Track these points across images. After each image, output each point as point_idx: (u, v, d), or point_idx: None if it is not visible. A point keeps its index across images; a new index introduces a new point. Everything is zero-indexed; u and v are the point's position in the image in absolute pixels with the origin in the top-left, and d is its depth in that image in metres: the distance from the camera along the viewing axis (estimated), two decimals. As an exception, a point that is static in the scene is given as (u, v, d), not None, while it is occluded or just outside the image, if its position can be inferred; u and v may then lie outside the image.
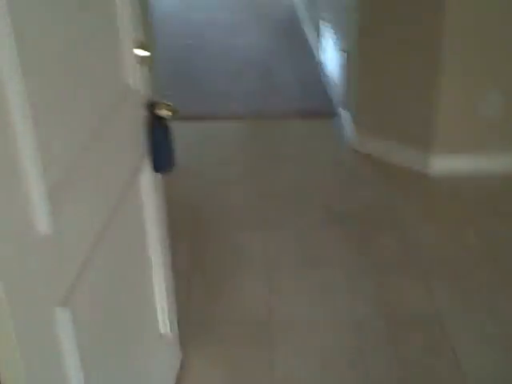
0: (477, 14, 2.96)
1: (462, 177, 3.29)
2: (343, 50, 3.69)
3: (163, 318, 1.80)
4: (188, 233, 2.89)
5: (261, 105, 4.16)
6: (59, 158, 1.02)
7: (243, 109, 4.11)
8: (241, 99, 4.24)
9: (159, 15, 6.05)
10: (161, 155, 1.61)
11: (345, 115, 3.78)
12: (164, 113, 1.56)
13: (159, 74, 3.93)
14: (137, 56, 1.45)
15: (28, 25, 0.89)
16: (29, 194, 0.89)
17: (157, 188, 1.67)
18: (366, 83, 3.41)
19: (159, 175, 1.69)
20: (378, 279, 2.58)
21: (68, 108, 1.06)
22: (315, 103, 4.16)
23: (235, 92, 4.35)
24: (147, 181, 1.59)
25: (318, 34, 4.57)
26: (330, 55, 4.10)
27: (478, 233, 2.86)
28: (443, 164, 3.31)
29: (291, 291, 2.53)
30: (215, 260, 2.72)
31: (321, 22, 4.33)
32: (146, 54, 1.48)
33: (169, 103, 1.58)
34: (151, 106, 1.55)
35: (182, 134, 3.85)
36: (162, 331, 1.82)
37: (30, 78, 0.88)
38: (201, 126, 3.93)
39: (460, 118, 3.21)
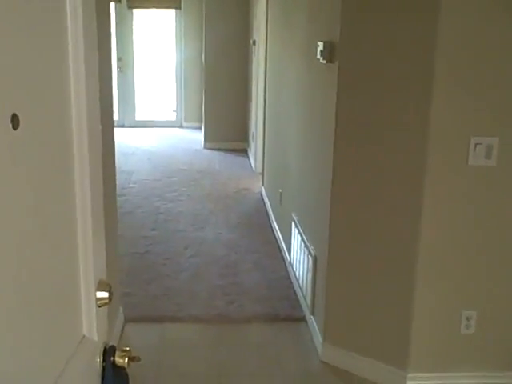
0: (451, 222, 2.93)
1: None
2: (312, 254, 3.59)
3: None
4: None
5: (223, 306, 3.94)
6: None
7: (205, 311, 3.88)
8: (203, 299, 4.03)
9: (123, 203, 6.00)
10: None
11: (313, 323, 3.59)
12: (121, 361, 1.34)
13: (117, 269, 3.73)
14: (96, 299, 1.26)
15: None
16: None
17: None
18: (336, 291, 3.26)
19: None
20: None
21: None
22: (282, 306, 3.96)
23: (197, 291, 4.15)
24: None
25: (288, 233, 4.51)
26: (299, 257, 4.00)
27: None
28: (419, 382, 3.09)
29: None
30: None
31: (292, 221, 4.28)
32: (106, 294, 1.29)
33: (127, 349, 1.36)
34: (108, 353, 1.33)
35: (138, 338, 3.59)
36: None
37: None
38: (159, 330, 3.65)
39: (435, 336, 3.05)
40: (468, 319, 3.02)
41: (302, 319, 3.80)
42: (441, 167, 2.83)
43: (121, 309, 3.69)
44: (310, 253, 3.64)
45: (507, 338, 3.08)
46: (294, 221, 4.19)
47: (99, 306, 1.28)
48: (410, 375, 3.08)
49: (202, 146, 8.90)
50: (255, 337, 3.68)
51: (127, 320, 3.72)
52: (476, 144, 2.79)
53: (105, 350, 1.34)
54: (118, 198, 3.63)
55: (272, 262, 4.70)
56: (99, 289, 1.27)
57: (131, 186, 6.76)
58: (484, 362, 3.11)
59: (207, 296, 4.08)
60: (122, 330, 3.61)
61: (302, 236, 3.93)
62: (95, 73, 1.24)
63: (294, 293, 4.14)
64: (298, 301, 4.02)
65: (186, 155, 8.41)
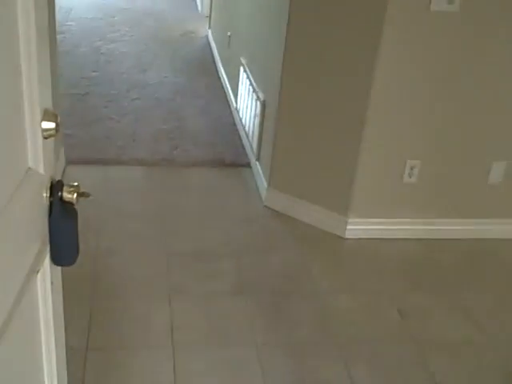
0: (400, 89, 2.89)
1: (378, 241, 3.20)
2: (261, 99, 3.52)
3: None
4: (85, 305, 2.56)
5: (167, 150, 3.89)
6: None
7: (149, 153, 3.83)
8: (146, 143, 3.96)
9: (62, 41, 5.68)
10: (64, 245, 1.33)
11: (258, 168, 3.60)
12: (69, 196, 1.28)
13: (58, 109, 3.59)
14: (42, 130, 1.18)
15: None
16: None
17: (56, 283, 1.38)
18: (283, 137, 3.24)
19: (59, 267, 1.40)
20: (292, 358, 2.38)
21: None
22: (227, 152, 3.95)
23: (140, 134, 4.07)
24: (45, 275, 1.30)
25: (236, 78, 4.40)
26: (247, 102, 3.92)
27: (394, 303, 2.74)
28: (359, 227, 3.20)
29: (199, 372, 2.27)
30: (115, 335, 2.41)
31: (240, 66, 4.15)
32: (53, 125, 1.20)
33: (75, 184, 1.31)
34: (55, 188, 1.27)
35: (80, 180, 3.53)
36: None
37: None
38: (100, 172, 3.60)
39: (378, 184, 3.12)
40: (411, 168, 3.08)
41: (247, 165, 3.81)
42: (401, 12, 2.73)
43: (62, 150, 3.59)
44: (258, 98, 3.57)
45: (447, 188, 3.18)
46: (243, 65, 4.07)
47: (45, 138, 1.20)
48: (350, 220, 3.17)
49: (145, -17, 8.38)
50: (199, 181, 3.68)
51: (68, 162, 3.64)
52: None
53: (52, 185, 1.28)
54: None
55: (218, 107, 4.62)
56: (45, 119, 1.18)
57: (70, 23, 6.36)
58: (422, 211, 3.22)
59: (151, 140, 4.01)
60: (64, 172, 3.54)
61: (250, 81, 3.84)
62: None
63: (240, 139, 4.11)
64: (243, 147, 4.01)
65: (128, -7, 7.92)
